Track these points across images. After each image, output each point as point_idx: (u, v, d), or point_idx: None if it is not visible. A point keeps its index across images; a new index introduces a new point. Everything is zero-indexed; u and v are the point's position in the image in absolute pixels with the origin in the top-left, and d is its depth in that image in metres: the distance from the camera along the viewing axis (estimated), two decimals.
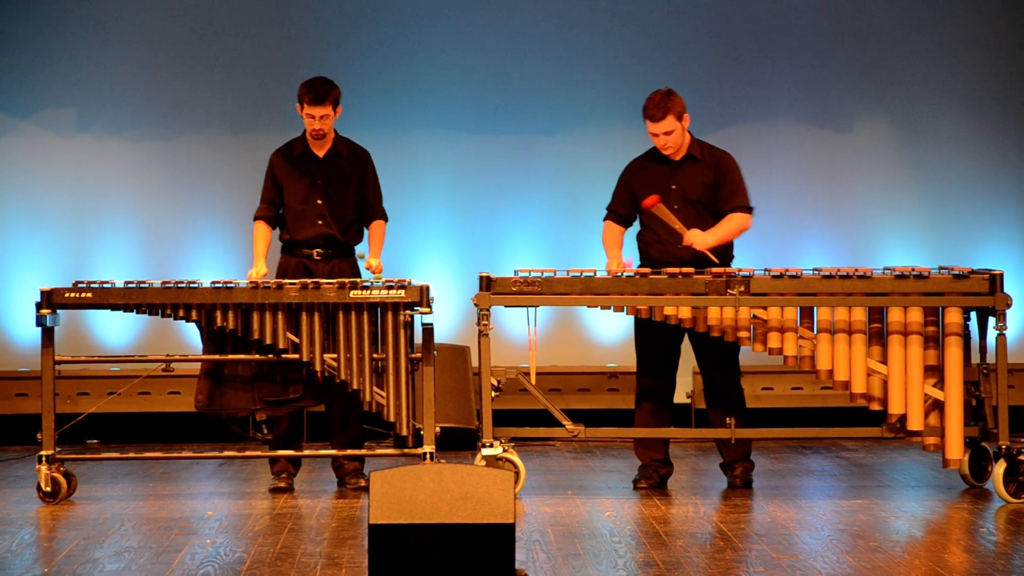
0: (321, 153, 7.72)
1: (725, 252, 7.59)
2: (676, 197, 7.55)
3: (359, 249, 7.75)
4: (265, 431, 8.48)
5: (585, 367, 9.74)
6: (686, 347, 7.67)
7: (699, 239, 7.44)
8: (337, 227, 7.69)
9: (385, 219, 7.85)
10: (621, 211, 7.67)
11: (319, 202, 7.69)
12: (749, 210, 7.57)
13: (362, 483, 7.63)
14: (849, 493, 7.49)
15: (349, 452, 7.60)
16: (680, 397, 9.62)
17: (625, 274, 7.31)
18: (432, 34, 9.84)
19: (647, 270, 7.31)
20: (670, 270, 7.28)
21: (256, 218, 7.78)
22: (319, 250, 7.68)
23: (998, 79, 9.94)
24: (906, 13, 9.90)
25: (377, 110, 9.76)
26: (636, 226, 7.73)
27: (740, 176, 7.60)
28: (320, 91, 7.58)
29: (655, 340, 7.58)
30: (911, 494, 7.42)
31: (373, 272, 7.66)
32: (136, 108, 9.80)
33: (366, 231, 7.84)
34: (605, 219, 7.71)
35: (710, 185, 7.55)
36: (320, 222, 7.68)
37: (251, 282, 7.31)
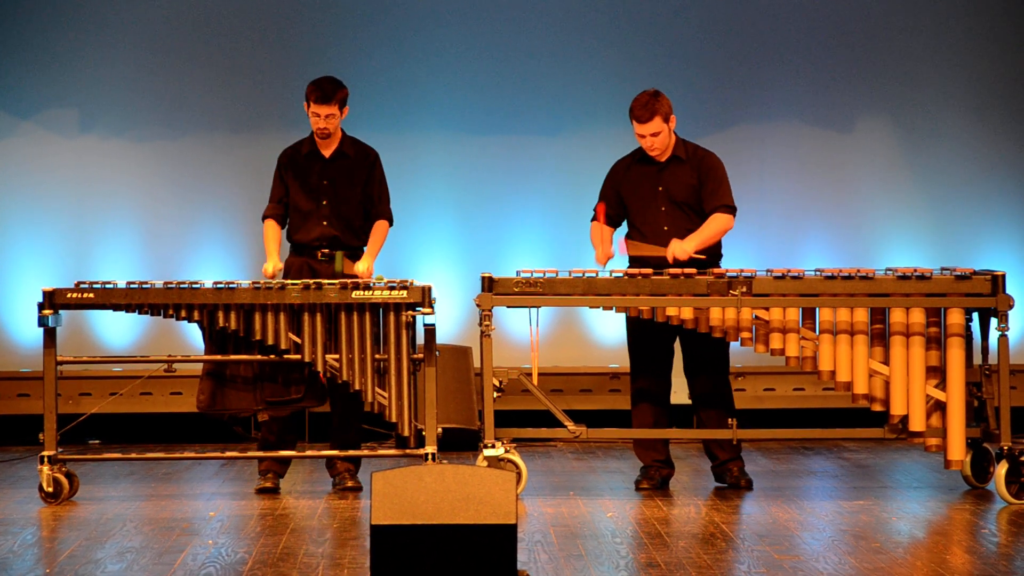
0: (327, 153, 7.72)
1: (713, 252, 7.57)
2: (663, 199, 7.55)
3: (345, 253, 7.68)
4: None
5: (587, 368, 9.74)
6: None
7: (679, 249, 7.42)
8: (342, 228, 7.69)
9: (390, 221, 7.82)
10: (608, 212, 7.67)
11: (324, 203, 7.69)
12: (732, 210, 7.54)
13: (349, 483, 7.61)
14: (851, 494, 7.49)
15: (350, 452, 7.59)
16: (683, 398, 9.62)
17: (611, 273, 7.28)
18: (435, 35, 9.84)
19: (636, 270, 7.29)
20: (672, 271, 7.29)
21: (265, 216, 7.78)
22: (324, 251, 7.68)
23: (999, 79, 9.94)
24: (907, 13, 9.90)
25: (379, 111, 9.76)
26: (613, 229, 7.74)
27: (724, 175, 7.56)
28: (326, 90, 7.59)
29: (648, 340, 7.58)
30: (913, 495, 7.42)
31: (359, 276, 7.62)
32: (139, 108, 9.81)
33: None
34: (593, 220, 7.69)
35: (695, 186, 7.54)
36: (325, 223, 7.68)
37: (254, 282, 7.31)
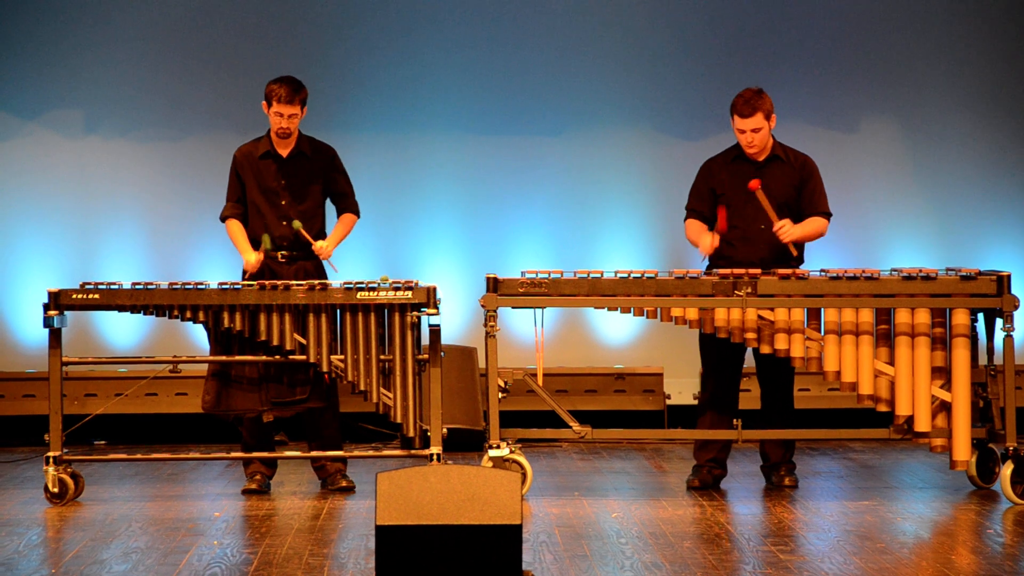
0: (285, 152, 7.69)
1: (799, 254, 7.57)
2: (762, 197, 7.51)
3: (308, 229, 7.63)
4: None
5: (592, 368, 9.74)
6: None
7: (787, 230, 7.44)
8: (302, 227, 7.65)
9: (357, 214, 7.80)
10: (702, 208, 7.60)
11: (283, 203, 7.67)
12: (829, 216, 7.59)
13: (342, 483, 7.61)
14: (856, 494, 7.49)
15: (355, 454, 7.61)
16: (687, 398, 9.63)
17: (616, 273, 7.26)
18: (438, 34, 9.84)
19: (641, 270, 7.28)
20: (678, 271, 7.28)
21: (225, 217, 7.70)
22: (283, 252, 7.65)
23: (1005, 79, 9.93)
24: (912, 14, 9.90)
25: (383, 110, 9.76)
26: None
27: (822, 181, 7.60)
28: (290, 90, 7.56)
29: (722, 350, 7.54)
30: (918, 495, 7.42)
31: (320, 255, 7.61)
32: (143, 109, 9.81)
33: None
34: (687, 218, 7.65)
35: (795, 187, 7.54)
36: (284, 223, 7.65)
37: (259, 282, 7.31)
